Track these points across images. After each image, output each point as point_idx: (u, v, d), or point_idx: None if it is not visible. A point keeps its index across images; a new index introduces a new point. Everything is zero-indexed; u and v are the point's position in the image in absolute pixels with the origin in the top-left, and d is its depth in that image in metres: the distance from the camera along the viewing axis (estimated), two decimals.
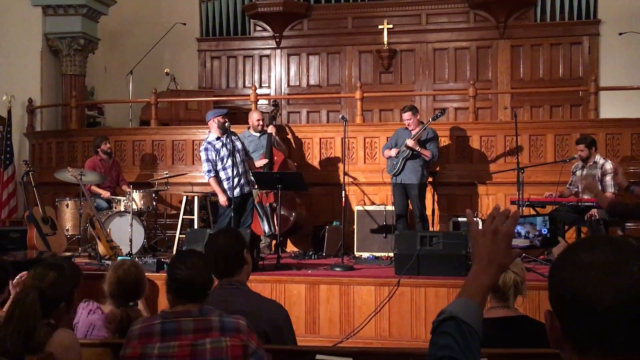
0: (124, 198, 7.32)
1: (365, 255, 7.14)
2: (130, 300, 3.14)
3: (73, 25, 9.85)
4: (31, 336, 2.29)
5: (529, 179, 7.12)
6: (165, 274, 2.65)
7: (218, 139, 6.76)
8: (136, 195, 7.30)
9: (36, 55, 9.76)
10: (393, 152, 7.05)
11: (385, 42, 10.76)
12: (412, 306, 5.44)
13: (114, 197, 7.58)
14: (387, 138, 7.53)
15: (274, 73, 11.40)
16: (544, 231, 1.48)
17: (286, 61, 11.38)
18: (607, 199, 4.41)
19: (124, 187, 7.72)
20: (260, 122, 7.62)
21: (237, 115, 10.28)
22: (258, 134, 7.58)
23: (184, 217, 7.62)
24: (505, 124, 8.19)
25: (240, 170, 6.70)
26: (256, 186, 7.03)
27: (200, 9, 11.52)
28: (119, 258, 6.00)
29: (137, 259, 6.06)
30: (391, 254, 6.30)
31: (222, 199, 6.69)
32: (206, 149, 6.74)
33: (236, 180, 6.63)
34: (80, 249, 7.31)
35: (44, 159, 9.22)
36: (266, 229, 7.35)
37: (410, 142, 6.88)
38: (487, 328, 1.47)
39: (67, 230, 7.40)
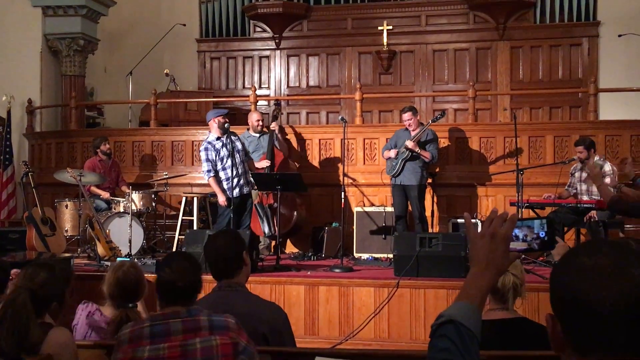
0: (124, 199, 7.33)
1: (364, 256, 7.15)
2: (129, 301, 3.14)
3: (73, 26, 9.86)
4: (25, 336, 2.30)
5: (529, 181, 7.13)
6: None
7: (218, 139, 6.76)
8: (135, 196, 7.30)
9: (36, 55, 9.76)
10: (392, 154, 7.05)
11: (385, 43, 10.77)
12: (411, 307, 5.44)
13: (113, 198, 7.58)
14: (387, 139, 7.53)
15: (274, 74, 11.41)
16: (542, 234, 1.48)
17: (286, 62, 11.39)
18: (610, 193, 4.40)
19: (124, 188, 7.72)
20: (260, 123, 7.62)
21: (236, 116, 10.29)
22: (258, 135, 7.59)
23: (183, 218, 7.62)
24: (504, 125, 8.19)
25: (240, 171, 6.69)
26: (255, 187, 7.03)
27: (200, 10, 11.52)
28: (118, 259, 6.01)
29: (136, 260, 6.07)
30: (390, 255, 6.30)
31: (222, 199, 6.70)
32: (206, 149, 6.74)
33: (235, 180, 6.63)
34: (79, 249, 7.31)
35: (43, 160, 9.21)
36: (266, 229, 7.34)
37: (409, 144, 6.88)
38: (485, 330, 1.47)
39: (67, 231, 7.40)
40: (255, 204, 7.23)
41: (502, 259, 1.44)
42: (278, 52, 11.38)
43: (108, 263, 6.14)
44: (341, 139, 7.39)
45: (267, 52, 11.44)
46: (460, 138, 7.85)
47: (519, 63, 10.64)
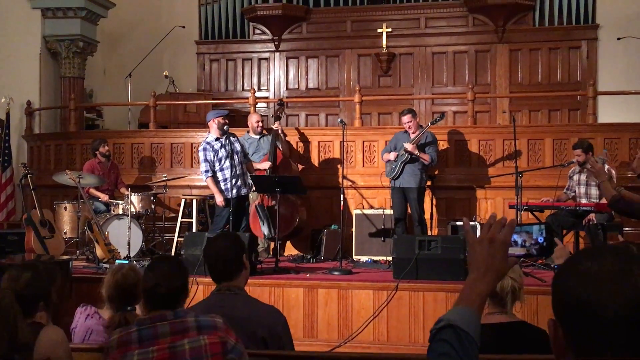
0: (122, 201, 7.32)
1: (363, 259, 7.14)
2: (128, 304, 3.13)
3: (72, 27, 9.86)
4: (15, 336, 2.31)
5: (527, 183, 7.13)
6: None
7: (217, 139, 6.79)
8: (134, 198, 7.30)
9: (35, 57, 9.76)
10: (392, 156, 7.06)
11: (384, 46, 10.77)
12: (410, 310, 5.44)
13: (112, 200, 7.57)
14: (386, 141, 7.53)
15: (273, 76, 11.41)
16: (541, 240, 1.49)
17: (285, 64, 11.39)
18: (612, 191, 4.38)
19: (123, 190, 7.72)
20: (260, 124, 7.63)
21: (235, 118, 10.29)
22: (258, 136, 7.59)
23: (183, 220, 7.62)
24: (503, 128, 8.21)
25: (238, 172, 6.70)
26: (253, 189, 7.04)
27: (200, 12, 11.53)
28: (117, 262, 6.01)
29: (135, 263, 6.08)
30: (390, 258, 6.30)
31: (219, 199, 6.72)
32: (204, 149, 6.77)
33: (233, 181, 6.65)
34: (78, 252, 7.29)
35: (42, 162, 9.21)
36: (266, 231, 7.33)
37: (409, 146, 6.88)
38: (484, 334, 1.47)
39: (65, 233, 7.39)
40: (256, 205, 7.23)
41: (501, 264, 1.44)
42: (277, 54, 11.39)
43: (107, 265, 6.14)
44: (340, 141, 7.39)
45: (266, 54, 11.45)
46: (460, 140, 7.85)
47: (518, 66, 10.65)
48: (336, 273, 6.05)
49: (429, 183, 7.38)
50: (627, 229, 6.89)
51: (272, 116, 8.25)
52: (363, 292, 5.58)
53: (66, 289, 5.36)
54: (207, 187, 6.95)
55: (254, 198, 7.33)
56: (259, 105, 9.97)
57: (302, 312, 5.63)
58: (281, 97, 11.00)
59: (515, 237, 1.49)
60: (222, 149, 6.75)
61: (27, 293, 2.52)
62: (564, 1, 10.41)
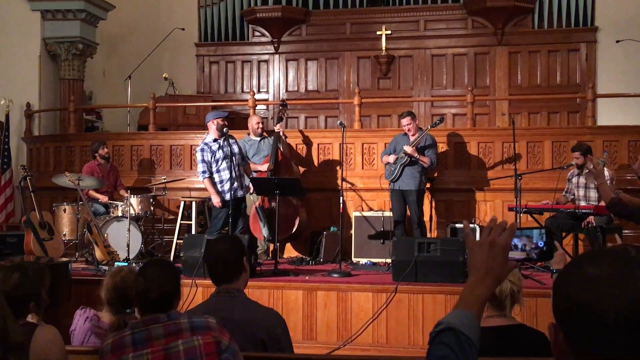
0: (122, 203, 7.32)
1: (363, 261, 7.15)
2: (127, 307, 3.13)
3: (72, 29, 9.87)
4: (6, 337, 2.31)
5: (527, 186, 7.13)
6: None
7: (215, 140, 6.81)
8: (134, 200, 7.29)
9: (34, 59, 9.76)
10: (391, 159, 7.06)
11: (384, 48, 10.78)
12: (409, 313, 5.44)
13: (111, 202, 7.57)
14: (385, 144, 7.54)
15: (272, 78, 11.42)
16: (541, 244, 1.49)
17: (284, 66, 11.40)
18: (610, 193, 4.39)
19: (122, 192, 7.72)
20: (260, 126, 7.63)
21: (235, 120, 10.31)
22: (258, 139, 7.59)
23: (182, 222, 7.62)
24: (503, 130, 8.21)
25: (234, 174, 6.72)
26: (250, 191, 7.04)
27: (199, 14, 11.54)
28: (116, 264, 6.01)
29: (134, 265, 6.07)
30: (389, 260, 6.30)
31: (216, 200, 6.74)
32: (202, 150, 6.79)
33: (229, 183, 6.67)
34: (77, 254, 7.30)
35: (41, 164, 9.21)
36: (265, 233, 7.33)
37: (408, 149, 6.89)
38: (483, 337, 1.47)
39: (65, 235, 7.38)
40: (256, 207, 7.22)
41: (500, 268, 1.44)
42: (277, 56, 11.39)
43: (106, 267, 6.14)
44: (340, 144, 7.40)
45: (265, 57, 11.45)
46: (459, 143, 7.86)
47: (517, 68, 10.66)
48: (335, 275, 6.05)
49: (428, 185, 7.38)
50: (626, 231, 6.89)
51: (275, 117, 8.24)
52: (362, 294, 5.58)
53: (65, 291, 5.36)
54: (206, 189, 6.95)
55: (254, 200, 7.33)
56: (258, 107, 9.97)
57: (302, 315, 5.63)
58: (282, 99, 11.00)
59: (515, 240, 1.50)
60: (220, 151, 6.77)
61: (17, 294, 2.53)
62: (563, 4, 10.42)
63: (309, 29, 11.26)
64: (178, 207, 7.81)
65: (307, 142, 8.16)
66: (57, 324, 2.69)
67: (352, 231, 7.41)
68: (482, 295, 1.44)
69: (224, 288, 2.85)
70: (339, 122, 7.35)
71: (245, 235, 5.92)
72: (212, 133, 6.86)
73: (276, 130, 7.58)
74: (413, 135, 7.07)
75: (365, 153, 7.99)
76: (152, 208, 7.54)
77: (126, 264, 6.19)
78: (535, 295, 5.11)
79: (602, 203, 6.42)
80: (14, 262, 2.88)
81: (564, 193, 6.92)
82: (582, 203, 6.60)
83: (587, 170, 6.73)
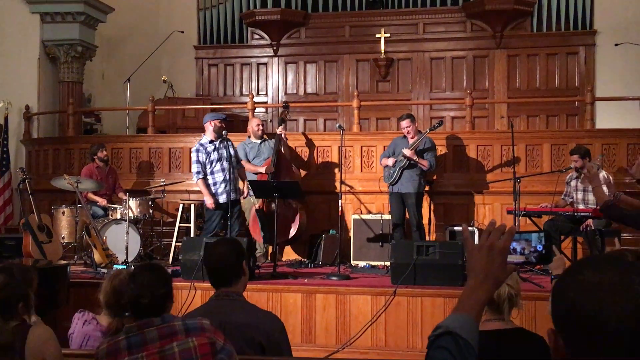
0: (121, 206, 7.32)
1: (361, 264, 7.14)
2: (125, 310, 3.12)
3: (71, 32, 9.87)
4: None
5: (525, 189, 7.13)
6: None
7: (211, 142, 6.83)
8: (132, 202, 7.29)
9: (34, 62, 9.76)
10: (390, 162, 7.06)
11: (383, 51, 10.80)
12: (408, 316, 5.44)
13: (110, 204, 7.57)
14: (384, 147, 7.54)
15: (272, 81, 11.42)
16: (539, 247, 1.49)
17: (283, 69, 11.40)
18: (604, 196, 4.40)
19: (121, 195, 7.71)
20: (261, 128, 7.63)
21: (234, 123, 10.30)
22: (258, 141, 7.59)
23: (181, 225, 7.61)
24: (501, 133, 8.22)
25: (228, 177, 6.73)
26: (243, 195, 7.02)
27: (198, 17, 11.55)
28: (115, 267, 6.00)
29: (132, 268, 6.06)
30: (388, 263, 6.30)
31: (209, 201, 6.76)
32: (197, 150, 6.82)
33: (223, 186, 6.68)
34: (76, 256, 7.29)
35: (40, 166, 9.20)
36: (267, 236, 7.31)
37: (407, 152, 6.89)
38: (481, 341, 1.47)
39: (63, 238, 7.37)
40: (256, 209, 7.21)
41: (499, 272, 1.44)
42: (276, 59, 11.40)
43: (104, 270, 6.13)
44: (338, 147, 7.40)
45: (264, 59, 11.46)
46: (458, 146, 7.86)
47: (516, 71, 10.67)
48: (334, 278, 6.04)
49: (427, 188, 7.38)
50: (624, 234, 6.89)
51: (274, 120, 8.22)
52: (361, 297, 5.57)
53: (64, 294, 5.36)
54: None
55: (255, 202, 7.32)
56: (257, 110, 9.98)
57: (300, 318, 5.62)
58: (279, 102, 10.99)
59: (514, 244, 1.49)
60: (215, 152, 6.79)
61: (4, 295, 2.53)
62: (562, 7, 10.45)
63: (308, 31, 11.27)
64: (177, 209, 7.81)
65: (308, 144, 8.16)
66: (55, 327, 2.70)
67: (351, 234, 7.41)
68: (481, 299, 1.44)
69: (223, 291, 2.85)
70: (338, 125, 7.35)
71: (244, 238, 5.91)
72: (208, 134, 6.89)
73: (278, 133, 7.57)
74: (412, 138, 7.07)
75: (364, 156, 7.99)
76: (150, 211, 7.53)
77: (125, 266, 6.18)
78: (534, 298, 5.11)
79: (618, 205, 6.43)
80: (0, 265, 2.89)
81: (562, 196, 6.93)
82: (581, 206, 6.60)
83: (576, 177, 6.75)
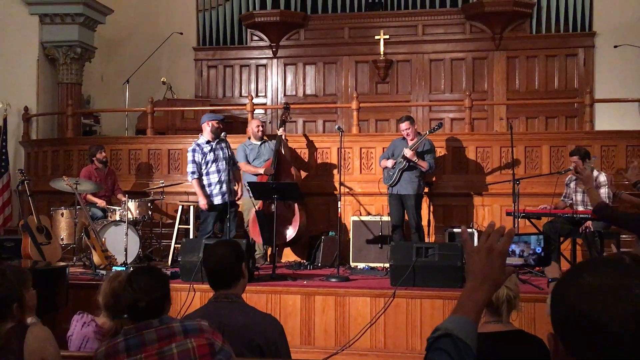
0: (120, 207, 7.31)
1: (360, 265, 7.14)
2: (124, 312, 3.12)
3: (70, 33, 9.86)
4: None
5: (525, 190, 7.13)
6: None
7: (208, 142, 6.83)
8: (132, 204, 7.29)
9: (33, 63, 9.76)
10: (390, 163, 7.06)
11: (382, 53, 10.80)
12: (407, 318, 5.44)
13: (109, 206, 7.56)
14: (384, 148, 7.54)
15: (271, 82, 11.43)
16: (538, 250, 1.49)
17: (283, 71, 11.40)
18: (598, 198, 4.42)
19: (120, 196, 7.71)
20: (261, 129, 7.63)
21: (233, 125, 10.31)
22: (258, 142, 7.58)
23: (180, 226, 7.61)
24: (500, 135, 8.22)
25: (223, 178, 6.74)
26: (237, 197, 7.02)
27: (197, 19, 11.55)
28: (114, 268, 6.00)
29: (131, 269, 6.06)
30: (387, 265, 6.30)
31: (202, 202, 6.77)
32: (194, 150, 6.82)
33: (217, 187, 6.69)
34: (75, 258, 7.28)
35: (39, 168, 9.20)
36: (266, 237, 7.30)
37: (408, 153, 6.89)
38: (480, 343, 1.47)
39: (62, 239, 7.37)
40: (256, 211, 7.21)
41: (498, 274, 1.44)
42: (275, 60, 11.40)
43: (104, 272, 6.12)
44: (338, 148, 7.40)
45: (264, 61, 11.47)
46: (457, 148, 7.86)
47: (515, 73, 10.68)
48: (333, 280, 6.04)
49: (426, 190, 7.38)
50: (623, 236, 6.88)
51: (274, 121, 8.21)
52: (360, 299, 5.57)
53: (63, 296, 5.35)
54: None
55: (255, 203, 7.31)
56: (256, 111, 9.98)
57: (299, 319, 5.62)
58: (278, 103, 11.00)
59: (513, 246, 1.49)
60: (211, 153, 6.80)
61: None
62: (561, 9, 10.46)
63: (307, 33, 11.28)
64: (176, 211, 7.80)
65: (307, 146, 8.16)
66: (54, 329, 2.69)
67: (350, 236, 7.40)
68: (480, 301, 1.44)
69: (222, 293, 2.85)
70: (337, 126, 7.35)
71: (243, 240, 5.91)
72: (205, 134, 6.89)
73: (279, 134, 7.57)
74: (412, 140, 7.07)
75: (363, 157, 7.99)
76: (149, 212, 7.53)
77: (124, 268, 6.18)
78: (533, 300, 5.11)
79: (611, 206, 6.44)
80: None
81: (562, 198, 6.93)
82: (580, 208, 6.60)
83: (575, 178, 6.75)
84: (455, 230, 7.11)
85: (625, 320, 1.01)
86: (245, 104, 9.07)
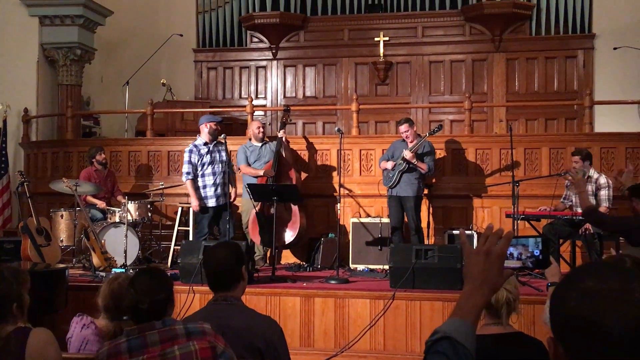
0: (119, 209, 7.31)
1: (360, 267, 7.14)
2: (124, 314, 3.12)
3: (70, 35, 9.87)
4: None
5: (524, 192, 7.13)
6: None
7: (205, 144, 6.83)
8: (131, 206, 7.28)
9: (32, 65, 9.76)
10: (389, 165, 7.06)
11: (382, 54, 10.81)
12: (407, 319, 5.43)
13: (109, 208, 7.56)
14: (383, 150, 7.54)
15: (270, 84, 11.43)
16: (536, 252, 1.49)
17: (282, 72, 11.41)
18: (588, 202, 4.44)
19: (119, 198, 7.71)
20: (261, 130, 7.61)
21: (233, 126, 10.32)
22: (259, 144, 7.56)
23: (179, 228, 7.61)
24: (500, 137, 8.23)
25: (218, 181, 6.74)
26: (231, 199, 7.02)
27: (197, 20, 11.56)
28: (114, 270, 6.00)
29: (131, 271, 6.06)
30: (386, 267, 6.30)
31: (194, 204, 6.79)
32: (190, 151, 6.83)
33: (212, 190, 6.69)
34: (74, 260, 7.27)
35: (39, 169, 9.20)
36: (266, 239, 7.29)
37: (408, 155, 6.88)
38: (480, 345, 1.47)
39: (62, 241, 7.37)
40: (256, 212, 7.21)
41: (496, 277, 1.44)
42: (275, 62, 11.41)
43: (103, 273, 6.12)
44: (337, 150, 7.40)
45: (263, 63, 11.47)
46: (456, 149, 7.87)
47: (515, 75, 10.68)
48: (333, 282, 6.04)
49: (426, 192, 7.38)
50: (622, 238, 6.88)
51: (273, 123, 8.21)
52: (360, 301, 5.57)
53: (62, 298, 5.35)
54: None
55: (255, 204, 7.30)
56: (256, 113, 9.98)
57: (299, 321, 5.62)
58: (278, 105, 11.01)
59: (511, 249, 1.50)
60: (208, 155, 6.81)
61: None
62: (561, 11, 10.47)
63: (307, 35, 11.28)
64: (175, 213, 7.80)
65: (307, 148, 8.16)
66: (54, 330, 2.69)
67: (350, 237, 7.40)
68: (478, 304, 1.44)
69: (221, 296, 2.85)
70: (336, 128, 7.35)
71: (243, 242, 5.91)
72: (203, 136, 6.90)
73: (279, 136, 7.56)
74: (411, 142, 7.07)
75: (363, 159, 7.99)
76: (149, 214, 7.53)
77: (123, 270, 6.18)
78: (533, 302, 5.11)
79: (601, 210, 6.44)
80: None
81: (561, 200, 6.93)
82: (580, 210, 6.60)
83: (569, 183, 6.75)
84: (454, 232, 7.12)
85: (627, 324, 1.01)
86: (245, 106, 9.07)
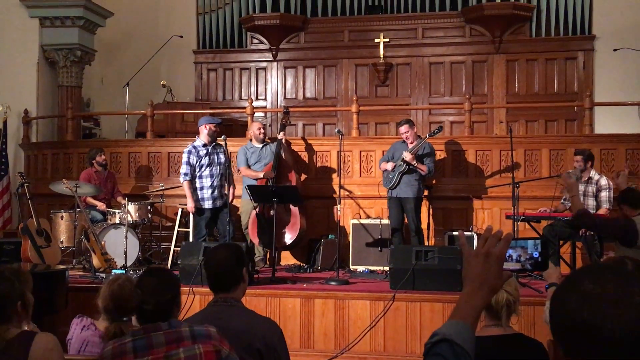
0: (119, 210, 7.31)
1: (360, 269, 7.13)
2: (124, 315, 3.12)
3: (70, 36, 9.87)
4: None
5: (524, 194, 7.13)
6: None
7: (204, 146, 6.84)
8: (131, 207, 7.28)
9: (33, 66, 9.77)
10: (389, 166, 7.06)
11: (382, 56, 10.82)
12: (407, 321, 5.44)
13: (109, 209, 7.56)
14: (383, 151, 7.54)
15: (270, 85, 11.43)
16: (535, 254, 1.49)
17: (282, 74, 11.42)
18: (579, 205, 4.44)
19: (119, 199, 7.71)
20: (262, 131, 7.61)
21: (233, 128, 10.32)
22: (260, 145, 7.56)
23: (179, 229, 7.61)
24: (500, 138, 8.22)
25: (216, 184, 6.75)
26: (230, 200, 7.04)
27: (197, 22, 11.56)
28: (114, 272, 6.00)
29: (131, 272, 6.06)
30: (386, 268, 6.30)
31: (190, 205, 6.80)
32: (189, 152, 6.84)
33: (209, 191, 6.70)
34: (74, 261, 7.27)
35: (39, 171, 9.20)
36: (266, 240, 7.29)
37: (408, 156, 6.88)
38: (480, 346, 1.47)
39: (62, 242, 7.37)
40: (256, 213, 7.21)
41: (495, 279, 1.44)
42: (275, 63, 11.41)
43: (103, 275, 6.12)
44: (338, 151, 7.40)
45: (264, 64, 11.48)
46: (457, 151, 7.87)
47: (515, 76, 10.69)
48: (333, 283, 6.04)
49: (426, 193, 7.38)
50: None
51: (273, 124, 8.21)
52: (360, 302, 5.57)
53: (62, 299, 5.35)
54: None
55: (255, 205, 7.30)
56: (256, 114, 9.99)
57: (299, 322, 5.62)
58: (284, 105, 11.00)
59: (510, 251, 1.49)
60: (207, 157, 6.82)
61: None
62: (561, 12, 10.47)
63: (307, 36, 11.29)
64: (176, 214, 7.80)
65: (307, 149, 8.16)
66: (54, 332, 2.69)
67: (350, 239, 7.40)
68: (478, 306, 1.44)
69: (221, 297, 2.85)
70: (337, 129, 7.35)
71: (242, 243, 5.91)
72: (202, 137, 6.91)
73: (279, 138, 7.56)
74: (411, 143, 7.07)
75: (363, 161, 7.99)
76: (149, 215, 7.53)
77: (123, 271, 6.18)
78: (533, 303, 5.11)
79: (601, 211, 6.44)
80: None
81: (562, 201, 6.93)
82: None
83: (575, 179, 6.74)
84: (454, 233, 7.12)
85: (627, 327, 1.01)
86: (245, 107, 9.08)
